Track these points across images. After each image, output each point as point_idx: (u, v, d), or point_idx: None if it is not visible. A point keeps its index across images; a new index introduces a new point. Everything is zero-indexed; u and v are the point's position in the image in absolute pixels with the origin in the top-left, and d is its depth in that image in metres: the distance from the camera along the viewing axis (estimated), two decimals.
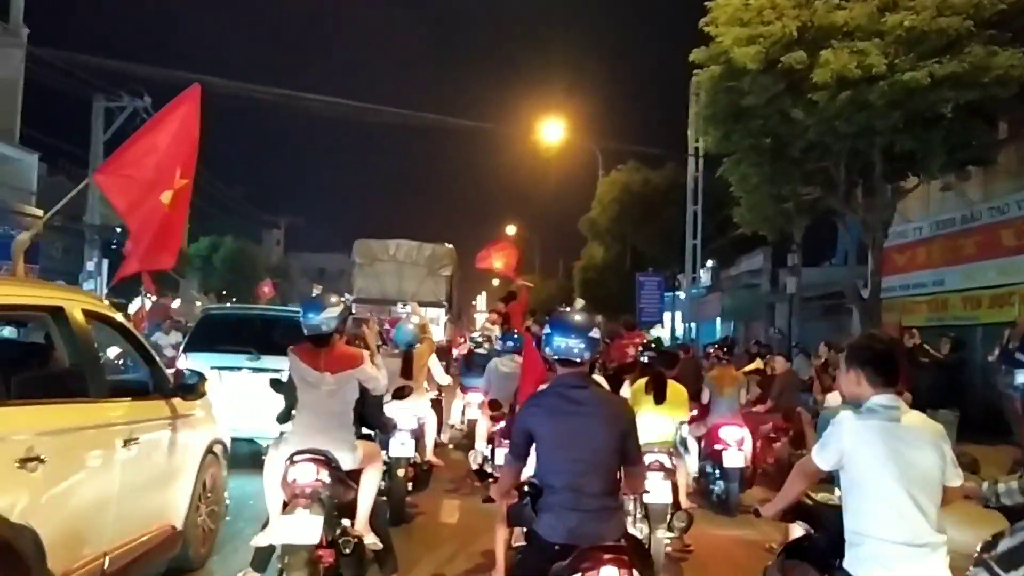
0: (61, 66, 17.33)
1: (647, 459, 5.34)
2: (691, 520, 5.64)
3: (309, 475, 4.49)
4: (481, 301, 72.06)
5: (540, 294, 48.01)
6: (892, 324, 14.01)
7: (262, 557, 4.67)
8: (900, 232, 15.06)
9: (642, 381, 6.45)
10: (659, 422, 6.20)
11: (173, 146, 4.67)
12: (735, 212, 12.46)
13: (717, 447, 8.27)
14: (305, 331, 4.95)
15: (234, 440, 10.04)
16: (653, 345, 7.70)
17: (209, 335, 9.82)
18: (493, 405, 7.36)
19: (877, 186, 11.87)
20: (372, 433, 5.65)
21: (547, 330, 3.57)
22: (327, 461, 4.59)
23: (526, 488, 3.45)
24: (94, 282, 23.20)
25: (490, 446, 7.58)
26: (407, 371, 7.57)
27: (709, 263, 29.56)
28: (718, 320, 28.52)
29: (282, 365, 9.33)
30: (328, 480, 4.51)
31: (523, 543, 4.46)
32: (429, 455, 7.96)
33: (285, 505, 4.51)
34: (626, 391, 6.53)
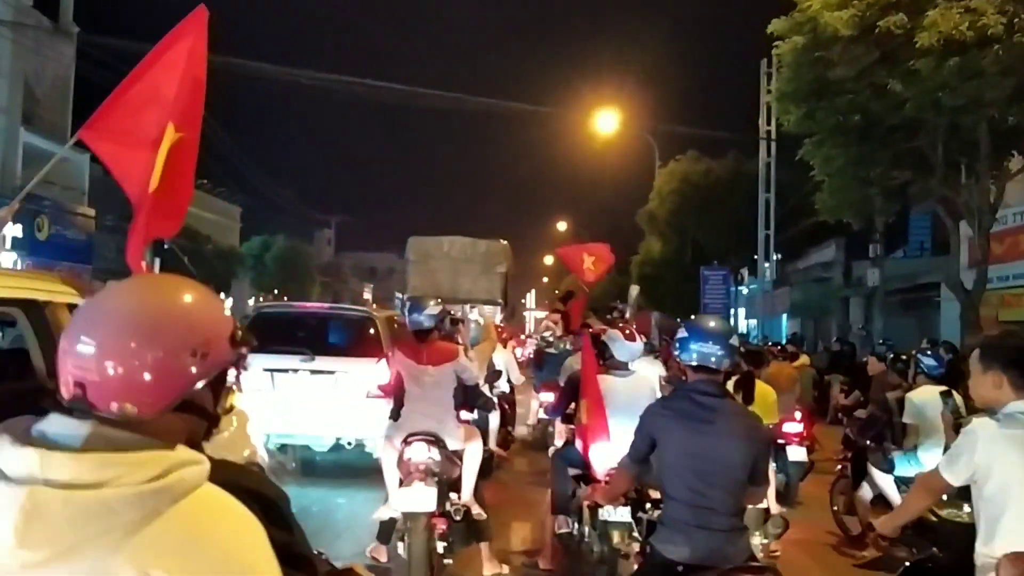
0: (111, 62, 17.12)
1: None
2: (787, 525, 5.23)
3: (422, 454, 5.19)
4: (531, 299, 71.50)
5: (594, 290, 46.94)
6: (989, 318, 12.93)
7: (385, 530, 5.46)
8: (998, 218, 13.93)
9: (729, 381, 6.03)
10: None
11: (175, 89, 3.76)
12: (816, 198, 11.51)
13: (780, 441, 8.42)
14: (409, 327, 5.79)
15: (286, 447, 9.72)
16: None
17: (261, 335, 9.24)
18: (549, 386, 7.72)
19: (982, 166, 10.83)
20: (471, 418, 6.40)
21: (683, 334, 3.39)
22: (436, 441, 5.28)
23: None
24: None
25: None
26: None
27: (775, 256, 28.52)
28: (784, 317, 27.38)
29: (338, 366, 8.95)
30: (438, 458, 5.19)
31: (567, 530, 5.41)
32: (492, 445, 8.52)
33: (401, 482, 5.18)
34: None
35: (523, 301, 64.93)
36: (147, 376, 1.14)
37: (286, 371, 8.91)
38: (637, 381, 5.28)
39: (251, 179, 43.59)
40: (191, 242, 28.77)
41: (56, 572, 1.02)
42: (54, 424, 1.13)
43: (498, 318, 22.88)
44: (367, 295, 59.65)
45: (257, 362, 8.83)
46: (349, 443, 9.04)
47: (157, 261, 23.96)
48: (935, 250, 18.54)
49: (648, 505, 4.11)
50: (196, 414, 1.23)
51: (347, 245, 69.19)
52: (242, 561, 1.12)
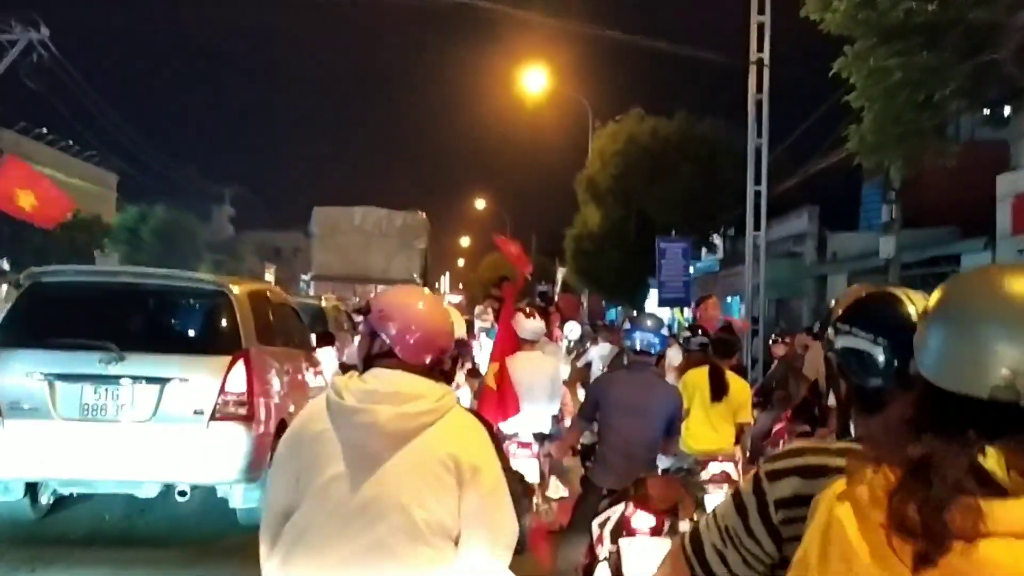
0: None
1: (710, 469, 5.41)
2: None
3: None
4: (445, 282, 68.97)
5: (511, 271, 44.51)
6: None
7: None
8: None
9: (696, 374, 5.86)
10: (718, 424, 5.75)
11: None
12: (850, 133, 8.90)
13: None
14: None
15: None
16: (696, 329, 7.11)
17: (35, 320, 6.01)
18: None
19: None
20: None
21: (628, 327, 5.24)
22: None
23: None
24: None
25: None
26: None
27: (728, 231, 26.21)
28: (737, 299, 25.15)
29: (166, 370, 5.85)
30: None
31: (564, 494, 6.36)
32: None
33: None
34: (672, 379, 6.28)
35: (436, 285, 62.43)
36: (427, 342, 2.30)
37: (77, 378, 5.77)
38: (542, 359, 6.45)
39: (127, 143, 39.03)
40: None
41: (401, 448, 2.13)
42: (380, 373, 2.25)
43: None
44: (269, 277, 55.96)
45: (27, 363, 5.68)
46: (183, 492, 5.93)
47: None
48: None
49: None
50: (443, 369, 2.39)
51: (249, 223, 64.72)
52: (486, 448, 2.27)
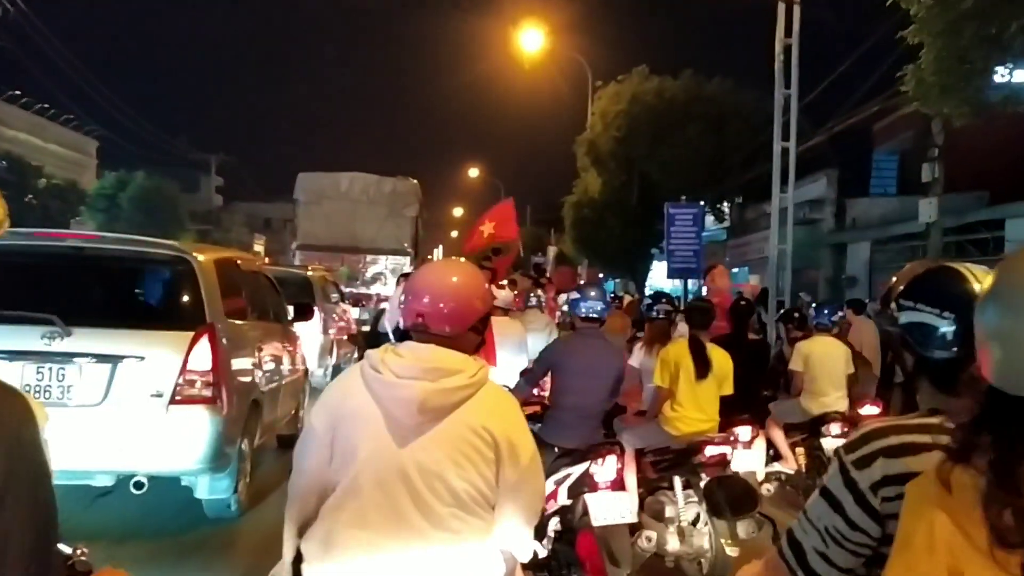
0: None
1: (707, 452, 5.23)
2: (762, 526, 5.08)
3: None
4: (438, 254, 68.71)
5: (502, 243, 43.80)
6: None
7: None
8: None
9: (677, 349, 5.63)
10: (705, 403, 5.53)
11: None
12: (907, 73, 8.23)
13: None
14: None
15: None
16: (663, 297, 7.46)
17: None
18: None
19: None
20: None
21: (575, 296, 5.73)
22: None
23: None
24: None
25: None
26: None
27: (736, 199, 25.66)
28: (746, 269, 24.64)
29: (119, 347, 5.31)
30: None
31: None
32: None
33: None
34: (636, 357, 6.33)
35: (430, 257, 61.93)
36: (458, 311, 2.35)
37: (16, 356, 5.26)
38: (510, 323, 6.94)
39: (108, 107, 38.13)
40: (11, 173, 24.26)
41: (436, 424, 2.21)
42: (416, 346, 2.33)
43: (409, 271, 19.58)
44: (258, 247, 55.37)
45: None
46: (139, 483, 5.41)
47: None
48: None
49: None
50: (477, 335, 2.45)
51: (239, 194, 63.87)
52: (519, 421, 2.38)
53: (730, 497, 5.02)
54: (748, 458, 5.45)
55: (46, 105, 38.36)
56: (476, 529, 2.23)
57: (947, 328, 1.51)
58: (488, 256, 12.07)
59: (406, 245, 19.39)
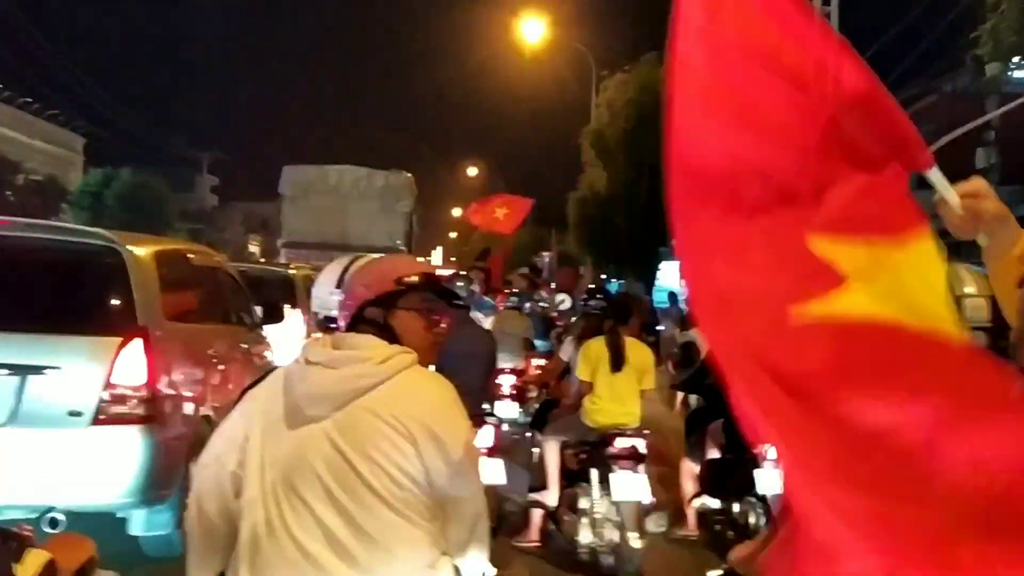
0: None
1: (617, 444, 5.40)
2: (669, 523, 5.73)
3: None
4: (437, 256, 68.25)
5: (499, 242, 43.02)
6: None
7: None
8: None
9: (595, 344, 5.80)
10: (624, 396, 5.72)
11: None
12: (981, 34, 7.43)
13: None
14: None
15: None
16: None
17: None
18: None
19: None
20: None
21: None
22: None
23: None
24: None
25: None
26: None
27: None
28: None
29: (28, 355, 4.50)
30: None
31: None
32: None
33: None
34: (567, 350, 6.63)
35: (428, 259, 61.49)
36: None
37: None
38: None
39: (94, 103, 37.45)
40: None
41: (337, 412, 2.01)
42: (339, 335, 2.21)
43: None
44: (253, 248, 54.75)
45: None
46: (55, 520, 4.59)
47: None
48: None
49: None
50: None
51: (235, 194, 63.38)
52: (443, 409, 2.10)
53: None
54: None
55: (29, 100, 37.73)
56: (399, 529, 1.99)
57: None
58: (482, 256, 12.50)
59: (399, 243, 18.66)
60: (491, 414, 5.72)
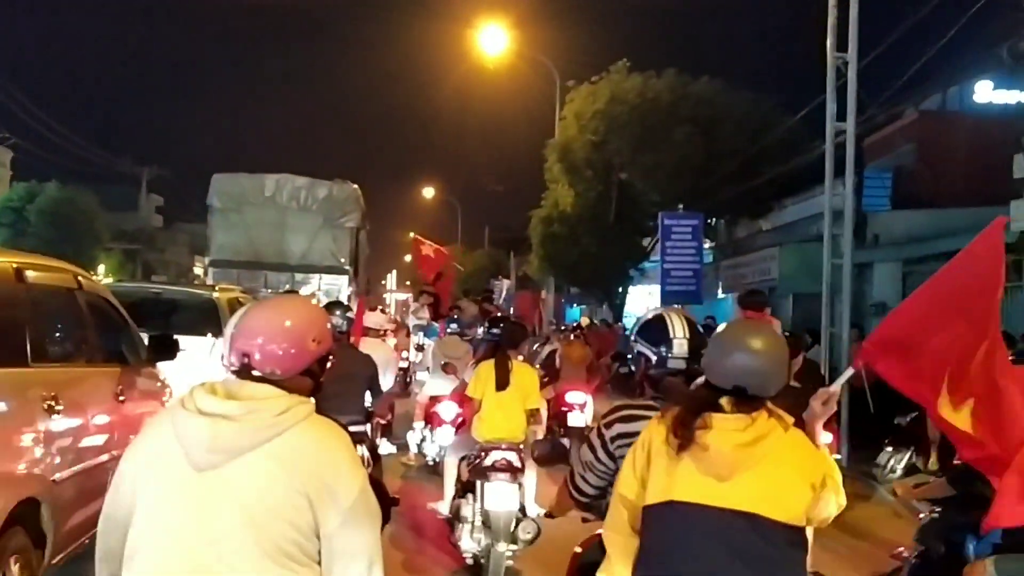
0: None
1: (492, 456, 5.85)
2: (539, 531, 5.77)
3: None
4: (391, 280, 66.85)
5: (467, 270, 41.91)
6: None
7: None
8: None
9: (485, 366, 6.48)
10: (504, 413, 6.21)
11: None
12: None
13: (563, 409, 10.17)
14: None
15: None
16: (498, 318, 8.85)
17: None
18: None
19: None
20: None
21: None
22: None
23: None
24: None
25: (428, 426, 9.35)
26: None
27: (720, 216, 23.62)
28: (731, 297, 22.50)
29: None
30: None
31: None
32: None
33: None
34: (468, 373, 7.20)
35: (383, 283, 59.98)
36: (290, 352, 2.20)
37: None
38: (378, 346, 8.31)
39: (19, 112, 35.15)
40: None
41: (232, 463, 2.04)
42: (230, 381, 2.16)
43: (345, 294, 17.12)
44: (198, 270, 52.54)
45: None
46: None
47: None
48: None
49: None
50: (311, 379, 2.30)
51: (181, 215, 60.92)
52: (337, 459, 2.14)
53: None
54: (532, 465, 6.11)
55: None
56: None
57: (654, 357, 3.07)
58: (430, 281, 13.36)
59: (343, 262, 16.92)
60: (366, 435, 6.18)
